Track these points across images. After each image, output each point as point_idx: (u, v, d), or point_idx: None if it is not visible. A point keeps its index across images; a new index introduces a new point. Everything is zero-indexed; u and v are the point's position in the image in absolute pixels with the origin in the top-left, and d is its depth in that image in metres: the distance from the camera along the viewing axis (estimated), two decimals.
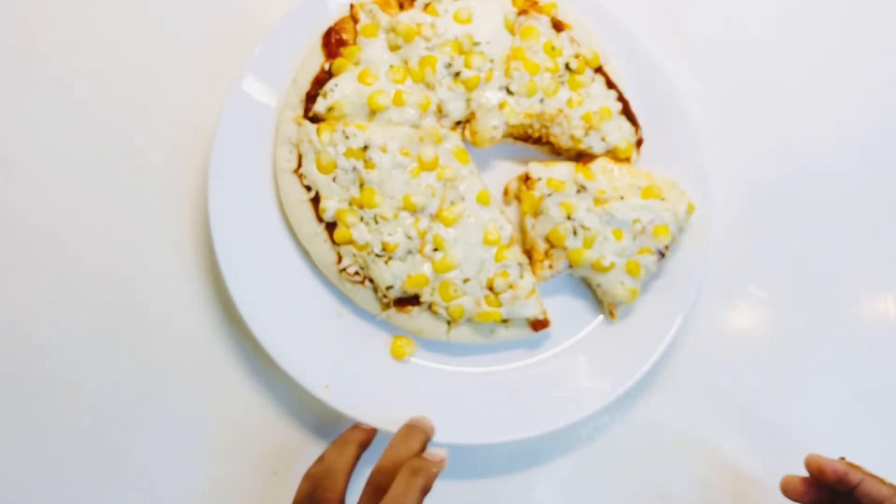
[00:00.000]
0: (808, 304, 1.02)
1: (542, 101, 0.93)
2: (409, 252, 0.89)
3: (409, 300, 0.89)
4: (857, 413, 1.00)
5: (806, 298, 1.02)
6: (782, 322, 1.01)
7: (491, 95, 0.92)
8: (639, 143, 0.96)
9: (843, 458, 0.82)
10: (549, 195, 0.92)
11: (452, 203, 0.90)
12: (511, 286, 0.89)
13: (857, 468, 0.80)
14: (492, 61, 0.93)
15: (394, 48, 0.92)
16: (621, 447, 0.96)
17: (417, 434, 0.81)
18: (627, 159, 0.95)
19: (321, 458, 0.83)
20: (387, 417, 0.86)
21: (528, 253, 0.94)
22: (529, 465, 0.94)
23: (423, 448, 0.81)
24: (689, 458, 0.97)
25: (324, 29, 0.92)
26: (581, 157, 0.96)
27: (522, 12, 0.95)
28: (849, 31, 1.11)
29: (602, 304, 0.95)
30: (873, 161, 1.07)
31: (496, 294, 0.89)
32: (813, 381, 1.00)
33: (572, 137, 0.94)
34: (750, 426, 0.98)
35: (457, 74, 0.91)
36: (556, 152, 0.97)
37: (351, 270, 0.89)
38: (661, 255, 0.93)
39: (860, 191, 1.06)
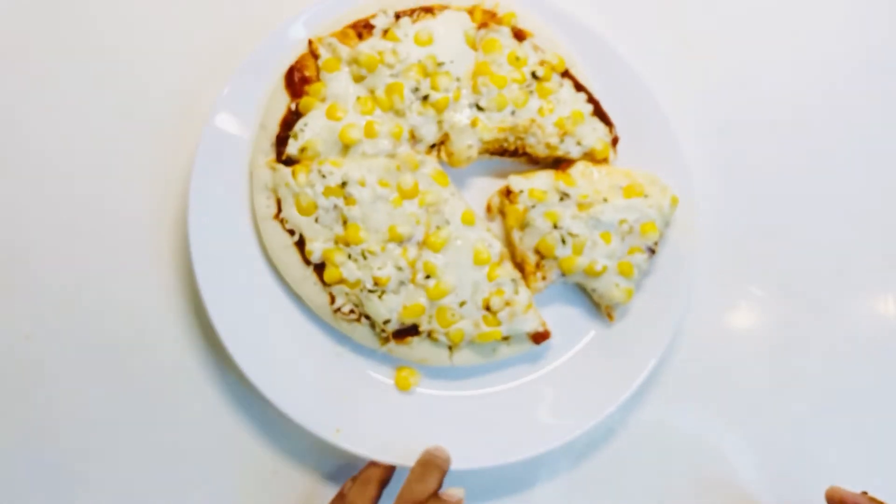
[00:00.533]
0: (807, 303, 1.03)
1: (513, 113, 0.92)
2: (402, 283, 0.88)
3: (407, 331, 0.89)
4: (856, 413, 1.01)
5: (806, 298, 1.03)
6: (782, 322, 1.02)
7: (462, 115, 0.91)
8: (614, 141, 0.96)
9: (864, 493, 0.82)
10: (533, 206, 0.91)
11: (438, 228, 0.89)
12: (508, 303, 0.89)
13: (880, 503, 0.80)
14: (458, 80, 0.92)
15: (358, 79, 0.91)
16: (621, 447, 0.96)
17: (433, 472, 0.81)
18: (605, 160, 0.95)
19: (342, 496, 0.83)
20: (402, 452, 0.85)
21: (520, 266, 0.93)
22: (529, 466, 0.94)
23: (440, 485, 0.80)
24: (688, 458, 0.97)
25: (284, 69, 0.91)
26: (559, 163, 0.96)
27: (482, 26, 0.95)
28: None
29: (599, 307, 0.95)
30: (873, 161, 1.08)
31: (494, 313, 0.89)
32: (813, 381, 1.01)
33: (548, 145, 0.93)
34: (750, 426, 0.99)
35: (425, 98, 0.90)
36: (534, 162, 0.97)
37: (346, 309, 0.88)
38: (652, 251, 0.93)
39: (860, 191, 1.06)
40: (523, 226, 0.92)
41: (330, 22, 0.92)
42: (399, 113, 0.90)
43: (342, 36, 0.91)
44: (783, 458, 0.98)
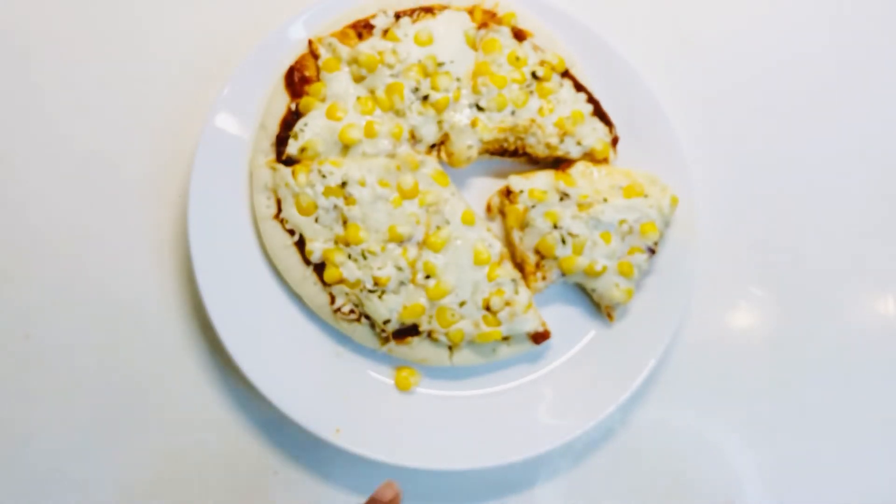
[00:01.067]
0: (807, 303, 1.03)
1: (513, 113, 0.92)
2: (402, 283, 0.88)
3: (407, 331, 0.89)
4: (856, 412, 1.01)
5: (806, 298, 1.03)
6: (782, 322, 1.02)
7: (462, 115, 0.92)
8: (614, 141, 0.96)
9: None
10: (533, 206, 0.91)
11: (438, 228, 0.89)
12: (508, 303, 0.89)
13: None
14: (458, 80, 0.92)
15: (358, 79, 0.91)
16: (621, 447, 0.96)
17: None
18: (605, 160, 0.95)
19: None
20: (402, 452, 0.86)
21: (520, 266, 0.93)
22: (530, 465, 0.93)
23: None
24: (688, 458, 0.97)
25: (284, 69, 0.91)
26: (559, 163, 0.96)
27: (482, 26, 0.95)
28: None
29: (599, 307, 0.95)
30: (873, 161, 1.07)
31: (494, 313, 0.89)
32: (812, 381, 1.01)
33: (548, 145, 0.93)
34: (750, 426, 0.99)
35: (425, 98, 0.90)
36: (534, 161, 0.97)
37: (346, 309, 0.88)
38: (652, 251, 0.93)
39: (860, 192, 1.06)
40: (523, 226, 0.92)
41: (330, 22, 0.92)
42: (399, 113, 0.90)
43: (342, 36, 0.91)
44: (783, 458, 0.98)
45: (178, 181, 0.93)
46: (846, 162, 1.07)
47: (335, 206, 0.87)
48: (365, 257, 0.87)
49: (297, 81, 0.90)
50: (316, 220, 0.88)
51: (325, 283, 0.88)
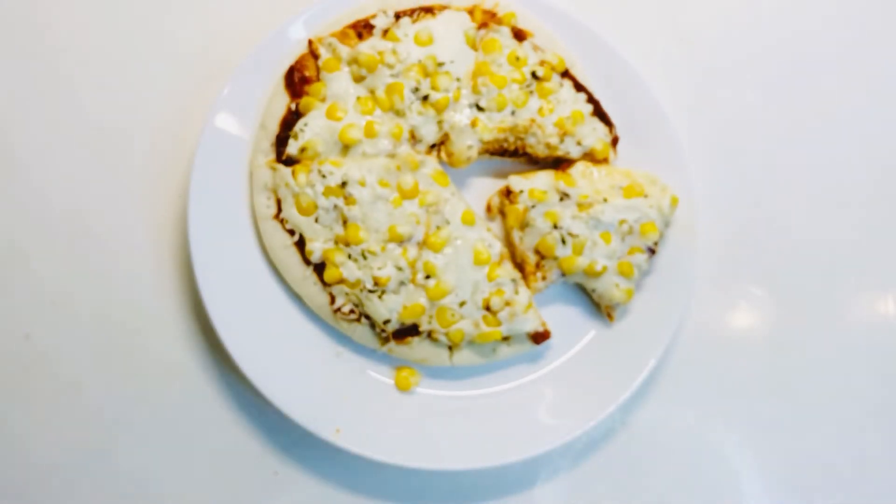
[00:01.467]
0: (807, 303, 1.03)
1: (513, 113, 0.92)
2: (402, 283, 0.88)
3: (407, 331, 0.89)
4: (856, 412, 1.01)
5: (806, 298, 1.03)
6: (782, 322, 1.02)
7: (462, 115, 0.92)
8: (614, 141, 0.96)
9: None
10: (533, 206, 0.91)
11: (438, 228, 0.89)
12: (508, 303, 0.89)
13: None
14: (458, 80, 0.92)
15: (358, 79, 0.91)
16: (621, 447, 0.96)
17: None
18: (605, 160, 0.95)
19: None
20: (403, 453, 0.86)
21: (520, 266, 0.93)
22: (530, 465, 0.94)
23: None
24: (688, 458, 0.97)
25: (284, 69, 0.91)
26: (559, 163, 0.96)
27: (482, 26, 0.95)
28: None
29: (600, 307, 0.95)
30: (873, 161, 1.07)
31: (494, 313, 0.89)
32: (812, 381, 1.01)
33: (548, 145, 0.93)
34: (750, 426, 0.99)
35: (425, 98, 0.90)
36: (534, 162, 0.97)
37: (346, 309, 0.88)
38: (652, 251, 0.93)
39: (861, 192, 1.06)
40: (523, 226, 0.92)
41: (330, 22, 0.92)
42: (399, 113, 0.90)
43: (342, 36, 0.91)
44: (783, 457, 0.98)
45: (178, 181, 0.93)
46: (846, 162, 1.07)
47: (335, 206, 0.87)
48: (365, 257, 0.87)
49: (297, 81, 0.90)
50: (316, 220, 0.88)
51: (325, 283, 0.88)
